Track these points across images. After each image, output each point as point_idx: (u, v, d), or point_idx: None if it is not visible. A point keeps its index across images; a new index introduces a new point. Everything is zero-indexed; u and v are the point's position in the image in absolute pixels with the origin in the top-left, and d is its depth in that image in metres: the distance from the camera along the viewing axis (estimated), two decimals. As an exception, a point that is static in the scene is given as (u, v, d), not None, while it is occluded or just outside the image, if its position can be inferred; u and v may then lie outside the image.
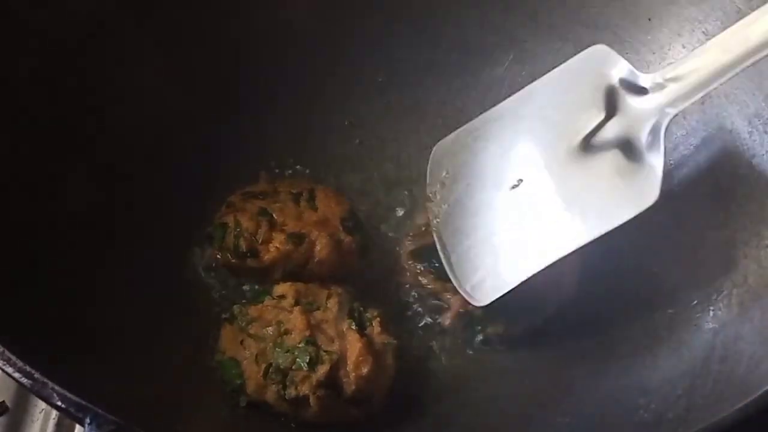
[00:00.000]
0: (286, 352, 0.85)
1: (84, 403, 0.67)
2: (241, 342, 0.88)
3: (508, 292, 0.91)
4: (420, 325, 0.97)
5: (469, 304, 0.94)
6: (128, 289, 0.90)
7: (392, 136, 1.09)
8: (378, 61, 1.09)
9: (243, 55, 1.05)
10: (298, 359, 0.84)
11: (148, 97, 1.00)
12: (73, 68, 0.93)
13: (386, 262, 1.00)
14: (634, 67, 0.92)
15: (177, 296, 0.94)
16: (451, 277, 0.95)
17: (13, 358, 0.68)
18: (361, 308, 0.89)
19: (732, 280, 0.90)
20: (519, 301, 0.93)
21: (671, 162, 0.98)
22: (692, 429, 0.70)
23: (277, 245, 0.93)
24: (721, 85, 0.85)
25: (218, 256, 0.95)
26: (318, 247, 0.93)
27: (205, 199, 0.99)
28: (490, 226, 0.95)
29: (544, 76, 0.97)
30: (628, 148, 0.89)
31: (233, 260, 0.94)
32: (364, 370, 0.85)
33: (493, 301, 0.92)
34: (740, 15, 0.91)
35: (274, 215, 0.95)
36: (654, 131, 0.88)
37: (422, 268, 0.98)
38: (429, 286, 0.97)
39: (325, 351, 0.85)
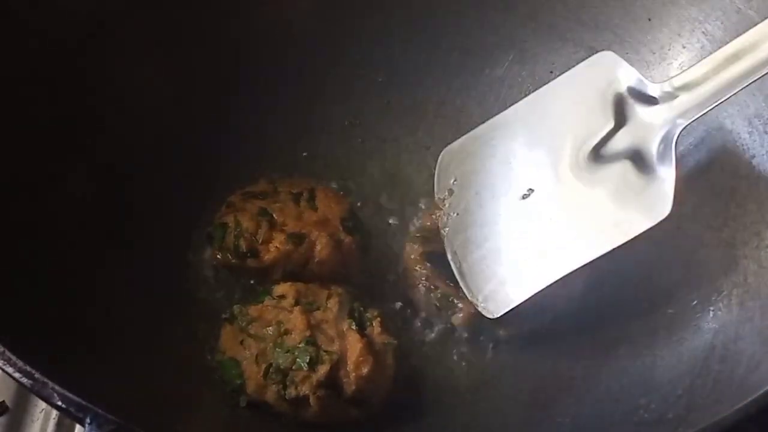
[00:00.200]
0: (286, 352, 0.85)
1: (84, 403, 0.67)
2: (241, 342, 0.88)
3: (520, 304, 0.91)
4: (421, 325, 0.97)
5: None
6: (128, 289, 0.90)
7: (392, 136, 1.09)
8: (378, 61, 1.09)
9: (243, 55, 1.05)
10: (298, 359, 0.84)
11: (148, 97, 1.00)
12: (73, 68, 0.93)
13: (386, 262, 1.00)
14: (635, 68, 0.91)
15: (177, 296, 0.94)
16: (462, 286, 0.95)
17: (13, 358, 0.68)
18: (361, 308, 0.89)
19: (732, 280, 0.90)
20: (525, 303, 0.93)
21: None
22: (692, 429, 0.70)
23: (277, 245, 0.93)
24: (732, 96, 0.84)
25: (218, 256, 0.95)
26: (318, 247, 0.93)
27: (205, 199, 0.99)
28: (501, 236, 0.94)
29: (551, 82, 0.96)
30: (638, 159, 0.88)
31: (233, 260, 0.94)
32: (364, 371, 0.85)
33: (504, 314, 0.91)
34: (740, 15, 0.91)
35: (274, 215, 0.95)
36: (665, 141, 0.87)
37: (432, 272, 0.98)
38: (440, 289, 0.96)
39: (325, 351, 0.85)
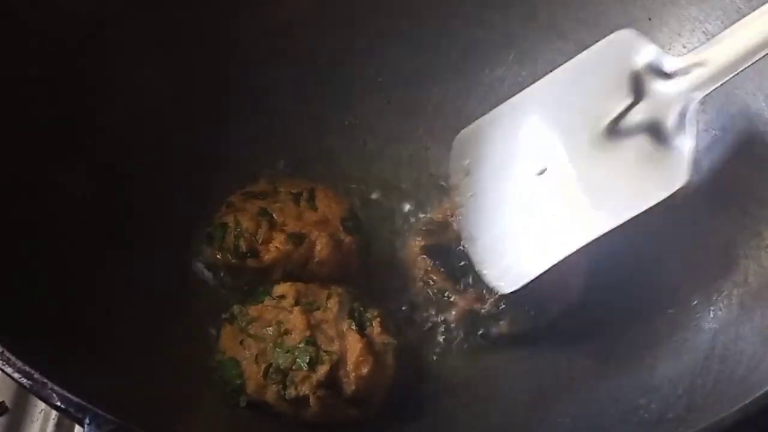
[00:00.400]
0: (286, 352, 0.85)
1: (84, 403, 0.67)
2: (241, 342, 0.88)
3: (534, 280, 0.91)
4: (421, 324, 0.96)
5: (476, 302, 0.94)
6: (128, 289, 0.90)
7: (392, 135, 1.09)
8: (378, 61, 1.09)
9: (243, 55, 1.05)
10: (298, 359, 0.84)
11: (148, 97, 1.00)
12: (73, 68, 0.93)
13: (386, 262, 1.00)
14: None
15: (177, 296, 0.94)
16: (476, 265, 0.95)
17: (13, 358, 0.68)
18: (361, 308, 0.89)
19: (732, 280, 0.90)
20: (524, 303, 0.93)
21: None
22: (692, 429, 0.70)
23: (277, 245, 0.93)
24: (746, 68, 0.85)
25: (218, 256, 0.95)
26: (318, 247, 0.93)
27: (205, 199, 0.99)
28: (517, 214, 0.94)
29: (569, 62, 0.96)
30: (654, 132, 0.89)
31: (233, 260, 0.94)
32: (364, 371, 0.85)
33: (519, 289, 0.91)
34: (740, 14, 0.90)
35: (274, 215, 0.95)
36: (681, 114, 0.88)
37: (432, 266, 0.97)
38: (437, 283, 0.97)
39: (325, 351, 0.85)
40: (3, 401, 0.97)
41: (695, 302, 0.92)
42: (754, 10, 0.85)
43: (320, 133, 1.08)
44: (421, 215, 1.03)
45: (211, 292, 0.96)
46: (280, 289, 0.90)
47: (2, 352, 0.68)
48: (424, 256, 0.98)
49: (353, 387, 0.85)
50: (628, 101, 0.91)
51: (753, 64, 0.85)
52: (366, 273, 0.97)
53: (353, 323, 0.87)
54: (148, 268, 0.92)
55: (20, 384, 0.68)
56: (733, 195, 0.94)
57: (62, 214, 0.88)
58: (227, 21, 1.04)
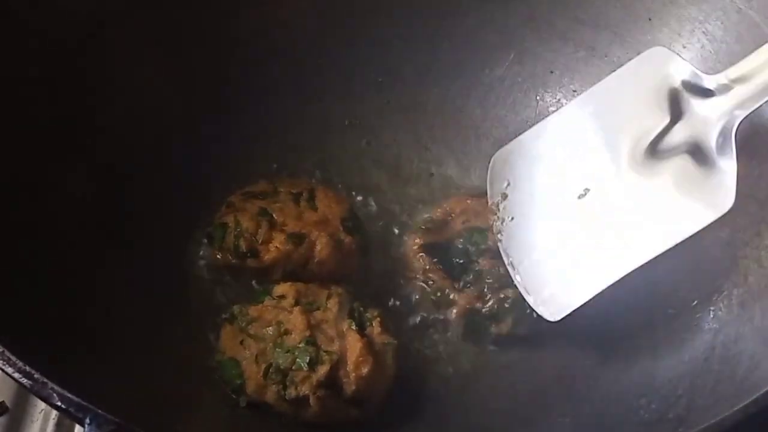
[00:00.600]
0: (286, 352, 0.85)
1: (84, 403, 0.67)
2: (241, 342, 0.88)
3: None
4: (421, 324, 0.96)
5: (476, 301, 0.94)
6: (128, 289, 0.90)
7: (392, 135, 1.09)
8: (378, 61, 1.09)
9: (243, 55, 1.05)
10: (298, 359, 0.84)
11: (148, 97, 1.00)
12: (73, 68, 0.93)
13: (386, 262, 1.00)
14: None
15: (177, 296, 0.94)
16: (520, 290, 0.93)
17: (13, 358, 0.68)
18: (361, 308, 0.89)
19: (732, 280, 0.90)
20: (525, 303, 0.93)
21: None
22: (692, 429, 0.70)
23: (277, 245, 0.93)
24: None
25: (218, 256, 0.95)
26: (318, 247, 0.93)
27: (205, 199, 0.99)
28: (558, 238, 0.93)
29: (603, 81, 0.95)
30: (697, 152, 0.87)
31: (233, 260, 0.94)
32: (364, 371, 0.85)
33: (564, 317, 0.90)
34: (740, 15, 0.91)
35: (274, 215, 0.95)
36: (723, 134, 0.86)
37: (431, 264, 0.97)
38: (437, 282, 0.97)
39: (325, 351, 0.85)
40: (3, 401, 0.96)
41: (695, 302, 0.92)
42: (753, 10, 0.85)
43: (320, 133, 1.08)
44: (421, 215, 1.03)
45: (211, 292, 0.96)
46: (280, 289, 0.90)
47: (2, 352, 0.68)
48: (423, 255, 0.98)
49: (353, 387, 0.85)
50: (668, 120, 0.89)
51: None
52: (366, 273, 0.97)
53: (353, 323, 0.87)
54: (148, 268, 0.92)
55: (20, 384, 0.68)
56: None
57: (62, 214, 0.88)
58: (227, 21, 1.04)
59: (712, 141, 0.86)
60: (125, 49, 0.98)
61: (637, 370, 0.90)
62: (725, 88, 0.86)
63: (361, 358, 0.85)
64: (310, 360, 0.84)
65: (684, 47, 0.99)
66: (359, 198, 1.04)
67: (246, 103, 1.05)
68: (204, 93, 1.03)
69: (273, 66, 1.06)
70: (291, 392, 0.84)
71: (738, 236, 0.92)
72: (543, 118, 1.00)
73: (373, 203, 1.05)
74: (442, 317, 0.96)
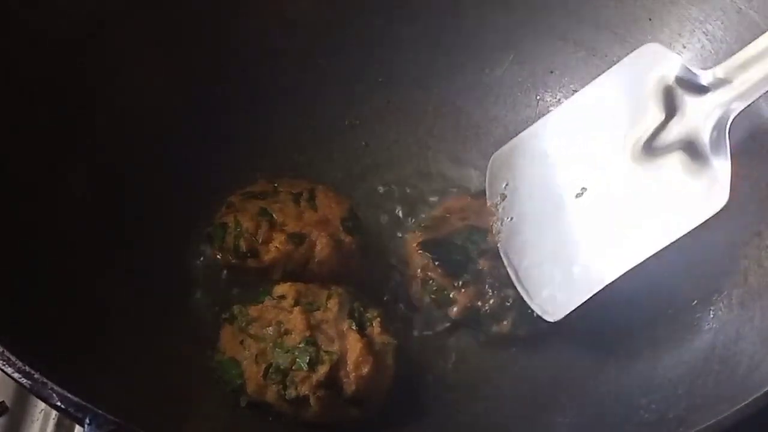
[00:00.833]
0: (286, 352, 0.85)
1: (84, 403, 0.67)
2: (241, 342, 0.88)
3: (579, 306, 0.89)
4: (421, 324, 0.97)
5: (476, 299, 0.94)
6: (128, 289, 0.90)
7: (392, 136, 1.09)
8: (378, 61, 1.09)
9: (243, 55, 1.05)
10: (298, 359, 0.84)
11: (148, 97, 1.00)
12: (73, 68, 0.93)
13: (387, 262, 1.00)
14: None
15: (177, 296, 0.94)
16: (520, 291, 0.93)
17: (13, 358, 0.68)
18: (361, 308, 0.89)
19: (732, 280, 0.90)
20: (526, 303, 0.93)
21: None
22: (692, 429, 0.70)
23: (278, 245, 0.93)
24: None
25: (218, 256, 0.95)
26: (318, 248, 0.93)
27: (205, 199, 0.99)
28: (557, 238, 0.93)
29: (597, 79, 0.95)
30: (691, 149, 0.87)
31: (233, 260, 0.94)
32: (364, 371, 0.85)
33: (564, 318, 0.90)
34: (741, 15, 0.91)
35: (274, 215, 0.95)
36: (717, 129, 0.86)
37: (430, 263, 0.97)
38: (436, 281, 0.96)
39: (325, 351, 0.85)
40: (3, 401, 0.96)
41: (695, 302, 0.92)
42: (753, 10, 0.85)
43: (320, 133, 1.08)
44: (421, 215, 1.03)
45: (211, 292, 0.96)
46: (280, 289, 0.90)
47: (2, 352, 0.68)
48: (423, 253, 0.98)
49: (353, 387, 0.85)
50: (662, 117, 0.89)
51: None
52: (366, 273, 0.97)
53: (353, 323, 0.87)
54: (148, 268, 0.92)
55: (20, 384, 0.68)
56: (733, 195, 0.93)
57: (62, 214, 0.88)
58: (227, 21, 1.04)
59: (705, 137, 0.86)
60: (125, 49, 0.98)
61: (637, 370, 0.90)
62: (719, 83, 0.86)
63: (361, 358, 0.85)
64: (310, 360, 0.84)
65: (684, 47, 0.99)
66: (359, 198, 1.04)
67: (246, 103, 1.05)
68: (204, 93, 1.03)
69: (273, 66, 1.06)
70: (291, 392, 0.84)
71: (738, 236, 0.92)
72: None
73: (373, 203, 1.05)
74: (442, 316, 0.96)
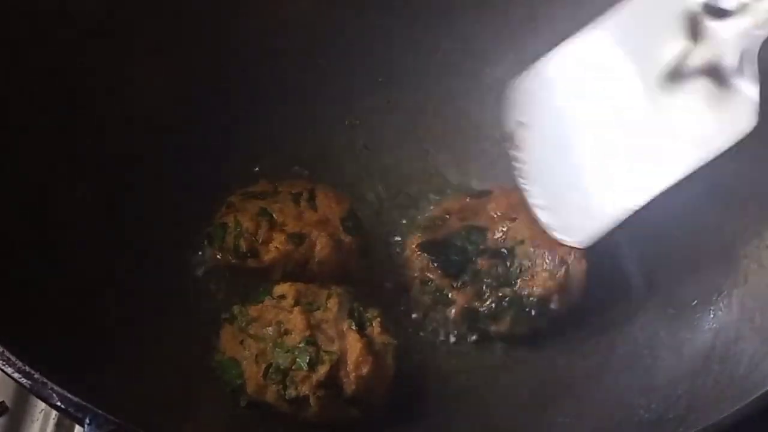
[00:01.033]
0: (286, 352, 0.85)
1: (84, 403, 0.67)
2: (241, 342, 0.88)
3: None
4: (420, 324, 0.96)
5: (474, 299, 0.94)
6: (128, 289, 0.90)
7: (392, 136, 1.09)
8: (378, 61, 1.09)
9: (243, 55, 1.05)
10: (298, 359, 0.84)
11: (148, 97, 1.00)
12: (73, 68, 0.93)
13: (386, 262, 1.00)
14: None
15: (177, 296, 0.94)
16: (542, 222, 0.93)
17: (13, 358, 0.68)
18: (361, 308, 0.89)
19: (732, 280, 0.90)
20: (524, 302, 0.93)
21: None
22: (692, 429, 0.70)
23: (277, 245, 0.93)
24: None
25: (218, 257, 0.95)
26: (318, 248, 0.93)
27: (205, 199, 0.99)
28: (580, 164, 0.92)
29: (621, 4, 0.92)
30: (717, 75, 0.86)
31: (233, 260, 0.94)
32: (364, 371, 0.85)
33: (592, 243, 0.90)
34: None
35: (274, 215, 0.95)
36: (744, 55, 0.85)
37: (429, 263, 0.97)
38: (435, 281, 0.96)
39: (325, 351, 0.85)
40: (3, 401, 0.96)
41: (695, 302, 0.92)
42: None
43: (320, 133, 1.08)
44: (421, 214, 1.03)
45: (211, 292, 0.96)
46: (280, 289, 0.90)
47: (2, 352, 0.68)
48: (421, 253, 0.98)
49: (353, 387, 0.85)
50: (686, 43, 0.88)
51: None
52: (366, 273, 0.97)
53: (353, 323, 0.87)
54: (148, 269, 0.92)
55: (20, 384, 0.68)
56: (733, 195, 0.94)
57: (62, 214, 0.88)
58: (227, 21, 1.04)
59: (731, 63, 0.85)
60: (125, 49, 0.98)
61: (636, 370, 0.90)
62: (743, 7, 0.85)
63: (361, 358, 0.85)
64: (310, 360, 0.84)
65: (684, 47, 0.99)
66: (359, 198, 1.04)
67: (246, 104, 1.05)
68: (204, 93, 1.03)
69: (273, 66, 1.06)
70: (291, 392, 0.84)
71: (738, 236, 0.92)
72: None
73: (373, 203, 1.05)
74: (441, 317, 0.96)
